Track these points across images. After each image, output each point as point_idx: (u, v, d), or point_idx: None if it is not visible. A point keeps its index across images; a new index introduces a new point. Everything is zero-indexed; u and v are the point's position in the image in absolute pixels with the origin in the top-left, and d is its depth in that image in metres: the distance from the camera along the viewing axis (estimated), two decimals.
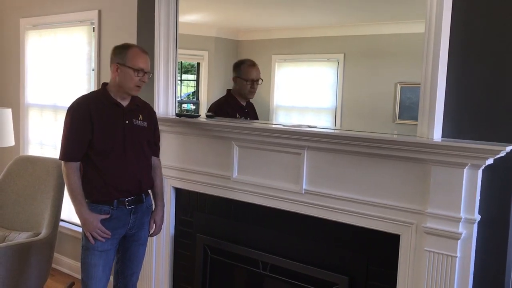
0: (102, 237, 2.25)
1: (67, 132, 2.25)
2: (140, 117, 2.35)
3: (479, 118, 1.86)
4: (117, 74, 2.25)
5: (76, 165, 2.25)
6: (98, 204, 2.27)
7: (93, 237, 2.25)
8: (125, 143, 2.28)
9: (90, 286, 2.29)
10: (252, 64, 2.62)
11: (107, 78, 3.26)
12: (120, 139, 2.27)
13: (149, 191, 2.47)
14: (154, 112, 2.51)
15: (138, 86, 2.27)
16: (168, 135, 2.72)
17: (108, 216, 2.27)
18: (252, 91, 2.62)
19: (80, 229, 3.62)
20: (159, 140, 2.51)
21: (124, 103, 2.31)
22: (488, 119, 1.85)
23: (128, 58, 2.23)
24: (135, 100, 2.36)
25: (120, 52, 2.26)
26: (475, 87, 1.87)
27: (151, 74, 2.34)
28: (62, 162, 2.27)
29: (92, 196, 2.27)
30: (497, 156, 1.75)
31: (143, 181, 2.36)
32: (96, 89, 2.63)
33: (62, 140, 2.26)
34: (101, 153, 2.25)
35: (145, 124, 2.36)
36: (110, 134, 2.26)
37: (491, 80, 1.84)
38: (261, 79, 2.60)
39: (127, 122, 2.29)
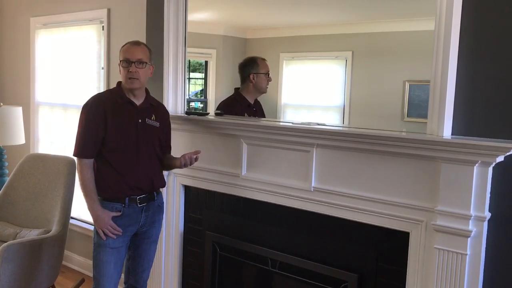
0: (113, 234, 2.27)
1: (81, 129, 2.28)
2: (153, 117, 2.37)
3: (489, 116, 1.86)
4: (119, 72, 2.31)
5: (89, 161, 2.28)
6: (110, 202, 2.30)
7: (104, 233, 2.27)
8: (137, 142, 2.30)
9: (102, 282, 2.31)
10: (264, 58, 2.65)
11: (116, 76, 3.30)
12: (133, 137, 2.29)
13: (161, 189, 2.49)
14: (168, 113, 2.52)
15: (130, 78, 2.24)
16: (178, 133, 2.74)
17: (119, 213, 2.29)
18: (268, 84, 2.65)
19: (90, 227, 3.68)
20: (170, 141, 2.52)
21: (138, 102, 2.33)
22: (498, 117, 1.84)
23: (120, 54, 2.29)
24: (149, 99, 2.38)
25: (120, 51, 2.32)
26: (485, 84, 1.86)
27: (146, 64, 2.26)
28: (76, 158, 2.30)
29: (104, 193, 2.29)
30: (508, 154, 1.75)
31: (155, 179, 2.38)
32: (110, 88, 2.65)
33: (76, 137, 2.29)
34: (114, 151, 2.27)
35: (157, 124, 2.38)
36: (123, 132, 2.28)
37: (501, 77, 1.83)
38: None
39: (140, 121, 2.31)
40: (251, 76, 2.64)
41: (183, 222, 2.87)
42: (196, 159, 2.33)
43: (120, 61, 2.27)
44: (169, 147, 2.52)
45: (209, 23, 3.03)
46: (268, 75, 2.63)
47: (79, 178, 2.30)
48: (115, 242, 2.29)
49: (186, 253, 2.88)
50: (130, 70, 2.23)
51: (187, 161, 2.31)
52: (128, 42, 2.32)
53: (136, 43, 2.31)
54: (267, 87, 2.65)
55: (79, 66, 3.80)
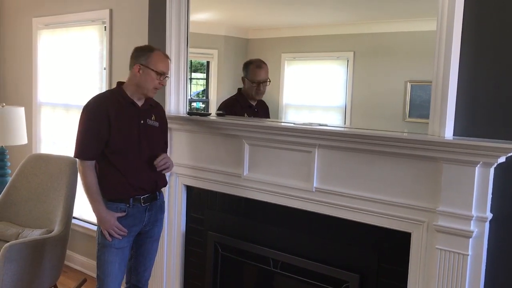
0: (119, 234, 2.28)
1: (83, 130, 2.26)
2: (153, 117, 2.38)
3: (491, 116, 1.86)
4: (138, 74, 2.26)
5: (92, 163, 2.28)
6: (114, 202, 2.30)
7: (110, 234, 2.27)
8: (140, 142, 2.31)
9: (107, 283, 2.31)
10: (259, 66, 2.61)
11: (118, 77, 3.30)
12: (136, 138, 2.30)
13: (162, 188, 2.49)
14: (164, 112, 2.54)
15: (156, 89, 2.31)
16: (179, 133, 2.74)
17: (124, 214, 2.30)
18: (258, 92, 2.63)
19: (92, 227, 3.69)
20: (167, 139, 2.55)
21: (139, 103, 2.35)
22: (500, 117, 1.84)
23: (152, 61, 2.26)
24: (149, 100, 2.39)
25: (145, 54, 2.28)
26: (487, 84, 1.86)
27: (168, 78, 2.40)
28: (78, 160, 2.29)
29: (108, 194, 2.29)
30: (509, 155, 1.75)
31: (158, 179, 2.40)
32: (110, 88, 2.65)
33: (77, 138, 2.28)
34: (117, 152, 2.27)
35: (157, 124, 2.40)
36: (126, 133, 2.28)
37: (502, 78, 1.83)
38: (269, 80, 2.60)
39: (142, 122, 2.33)
40: (242, 79, 2.65)
41: (185, 222, 2.87)
42: (164, 166, 2.33)
43: (153, 70, 2.25)
44: (166, 146, 2.55)
45: (211, 23, 3.03)
46: (257, 84, 2.60)
47: (82, 180, 2.30)
48: (120, 242, 2.30)
49: (188, 253, 2.89)
50: (162, 83, 2.31)
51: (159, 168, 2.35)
52: (159, 51, 2.32)
53: (167, 56, 2.37)
54: (256, 94, 2.63)
55: (81, 67, 3.81)
